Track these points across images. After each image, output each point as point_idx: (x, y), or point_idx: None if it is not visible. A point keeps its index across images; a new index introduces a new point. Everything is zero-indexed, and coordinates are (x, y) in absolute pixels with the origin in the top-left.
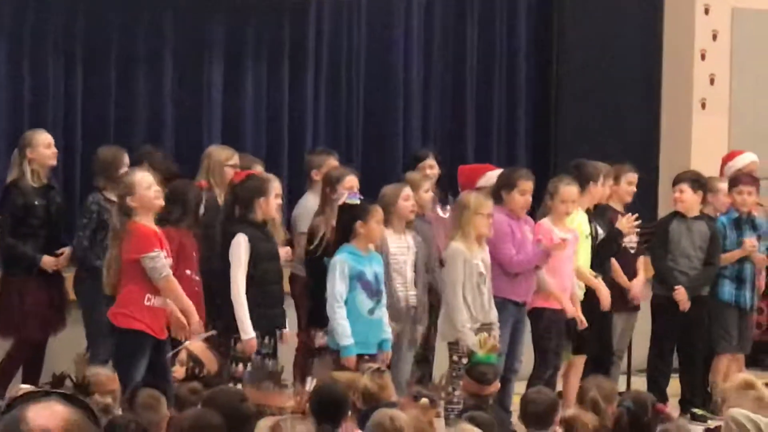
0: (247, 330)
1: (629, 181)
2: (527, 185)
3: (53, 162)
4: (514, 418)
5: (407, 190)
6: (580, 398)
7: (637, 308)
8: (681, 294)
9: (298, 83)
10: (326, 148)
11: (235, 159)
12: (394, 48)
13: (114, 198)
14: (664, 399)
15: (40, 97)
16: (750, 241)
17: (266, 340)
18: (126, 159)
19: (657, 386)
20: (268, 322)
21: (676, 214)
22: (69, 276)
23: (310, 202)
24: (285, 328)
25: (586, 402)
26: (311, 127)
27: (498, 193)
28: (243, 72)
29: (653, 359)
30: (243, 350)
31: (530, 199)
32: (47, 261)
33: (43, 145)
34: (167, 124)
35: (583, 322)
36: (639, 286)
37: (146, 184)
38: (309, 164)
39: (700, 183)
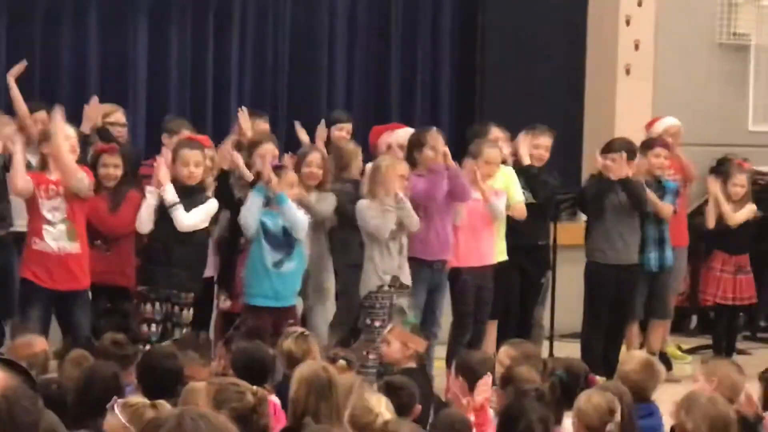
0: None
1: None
2: (436, 140)
3: None
4: (436, 384)
5: (312, 156)
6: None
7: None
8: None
9: (223, 41)
10: (257, 110)
11: (116, 116)
12: (319, 6)
13: None
14: (597, 364)
15: None
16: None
17: (184, 311)
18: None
19: (590, 352)
20: (172, 284)
21: (603, 180)
22: None
23: None
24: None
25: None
26: (236, 85)
27: (412, 156)
28: (167, 29)
29: (587, 326)
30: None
31: (446, 152)
32: None
33: None
34: (92, 82)
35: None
36: None
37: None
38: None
39: (634, 152)
